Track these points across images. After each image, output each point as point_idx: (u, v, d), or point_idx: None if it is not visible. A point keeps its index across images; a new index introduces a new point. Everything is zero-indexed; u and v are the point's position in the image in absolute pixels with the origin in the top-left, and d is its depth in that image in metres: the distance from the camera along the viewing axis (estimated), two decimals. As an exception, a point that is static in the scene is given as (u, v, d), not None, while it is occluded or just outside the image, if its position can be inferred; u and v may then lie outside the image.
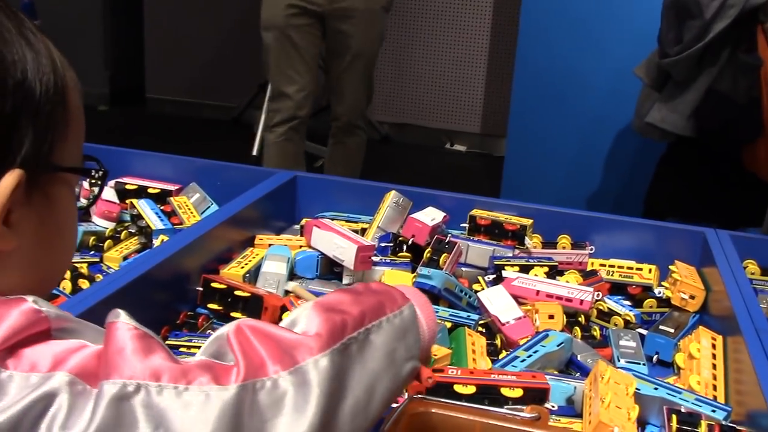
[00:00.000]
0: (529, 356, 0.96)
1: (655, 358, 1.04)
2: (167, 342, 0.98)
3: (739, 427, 0.82)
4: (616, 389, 0.84)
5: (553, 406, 0.88)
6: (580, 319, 1.10)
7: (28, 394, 0.43)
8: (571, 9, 2.74)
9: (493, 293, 1.10)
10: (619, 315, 1.12)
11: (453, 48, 4.21)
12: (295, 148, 2.69)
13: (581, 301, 1.09)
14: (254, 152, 3.49)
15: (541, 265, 1.20)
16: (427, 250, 1.18)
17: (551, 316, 1.06)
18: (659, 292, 1.18)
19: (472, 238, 1.28)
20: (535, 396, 0.85)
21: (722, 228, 1.27)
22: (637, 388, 0.86)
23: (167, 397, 0.44)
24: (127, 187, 1.40)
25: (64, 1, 4.41)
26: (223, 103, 4.61)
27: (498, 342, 1.03)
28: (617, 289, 1.20)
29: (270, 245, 1.23)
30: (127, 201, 1.36)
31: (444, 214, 1.27)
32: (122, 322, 0.48)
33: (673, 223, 1.33)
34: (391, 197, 1.30)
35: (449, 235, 1.25)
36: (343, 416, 0.50)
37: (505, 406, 0.81)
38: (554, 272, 1.20)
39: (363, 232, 1.28)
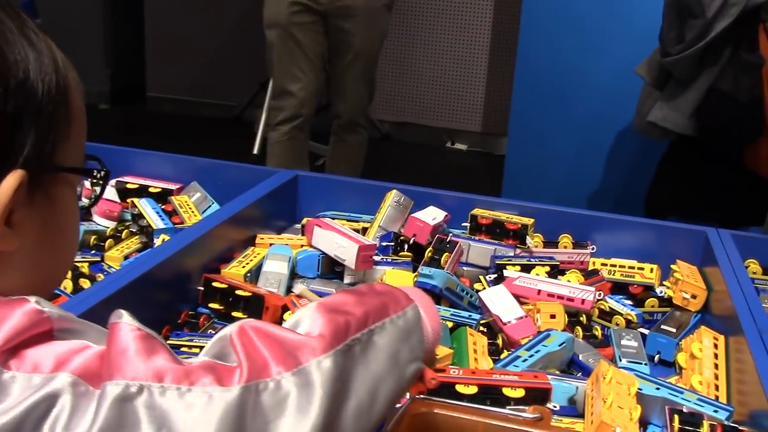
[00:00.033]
0: (531, 356, 0.96)
1: (656, 357, 1.04)
2: (168, 341, 0.98)
3: (741, 428, 0.82)
4: (618, 389, 0.84)
5: (555, 406, 0.88)
6: (581, 318, 1.10)
7: (31, 395, 0.43)
8: (571, 8, 2.74)
9: (494, 293, 1.10)
10: (621, 314, 1.12)
11: (454, 46, 4.20)
12: (298, 146, 2.69)
13: (583, 301, 1.09)
14: (255, 151, 3.49)
15: (543, 265, 1.20)
16: (429, 250, 1.18)
17: (553, 316, 1.06)
18: (661, 292, 1.18)
19: (473, 237, 1.28)
20: (537, 396, 0.85)
21: (723, 227, 1.27)
22: (639, 388, 0.86)
23: (170, 398, 0.44)
24: (128, 186, 1.39)
25: (65, -1, 4.42)
26: (223, 101, 4.61)
27: (499, 342, 1.03)
28: (619, 288, 1.20)
29: (271, 245, 1.23)
30: (128, 200, 1.35)
31: (445, 213, 1.27)
32: (125, 322, 0.48)
33: (675, 223, 1.33)
34: (393, 196, 1.30)
35: (450, 234, 1.25)
36: (346, 417, 0.50)
37: (508, 407, 0.81)
38: (556, 272, 1.20)
39: (364, 231, 1.28)
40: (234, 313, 1.06)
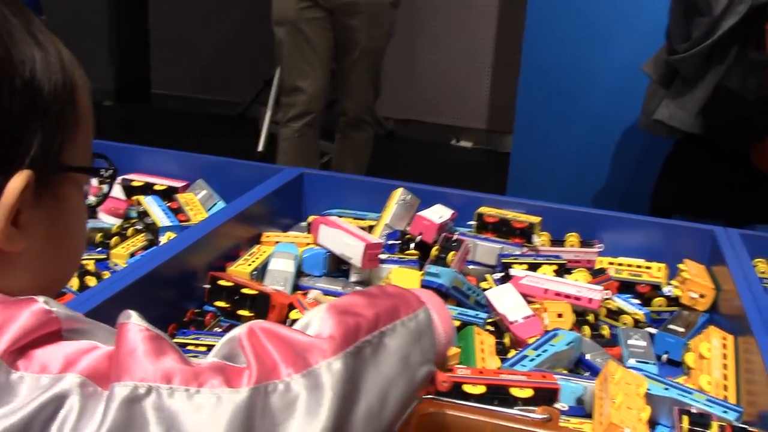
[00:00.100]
0: (538, 355, 0.96)
1: (664, 357, 1.04)
2: (174, 340, 0.98)
3: (750, 428, 0.81)
4: (626, 389, 0.83)
5: (563, 407, 0.87)
6: (589, 317, 1.09)
7: (39, 396, 0.43)
8: (577, 5, 2.73)
9: (501, 291, 1.10)
10: (629, 314, 1.11)
11: (459, 44, 4.19)
12: (308, 144, 2.70)
13: (590, 300, 1.09)
14: (260, 148, 3.49)
15: (550, 263, 1.19)
16: (435, 248, 1.18)
17: (560, 315, 1.05)
18: (668, 291, 1.18)
19: (479, 235, 1.27)
20: (545, 396, 0.84)
21: (730, 226, 1.26)
22: (647, 389, 0.86)
23: (178, 399, 0.44)
24: (134, 183, 1.39)
25: (70, -4, 4.41)
26: (228, 98, 4.61)
27: (506, 341, 1.03)
28: (626, 287, 1.19)
29: (277, 243, 1.23)
30: (134, 198, 1.35)
31: (452, 211, 1.27)
32: (133, 323, 0.47)
33: (683, 221, 1.33)
34: (399, 195, 1.29)
35: (457, 232, 1.24)
36: (356, 420, 0.50)
37: (516, 407, 0.81)
38: (563, 270, 1.19)
39: (370, 229, 1.28)
40: (240, 312, 1.06)
